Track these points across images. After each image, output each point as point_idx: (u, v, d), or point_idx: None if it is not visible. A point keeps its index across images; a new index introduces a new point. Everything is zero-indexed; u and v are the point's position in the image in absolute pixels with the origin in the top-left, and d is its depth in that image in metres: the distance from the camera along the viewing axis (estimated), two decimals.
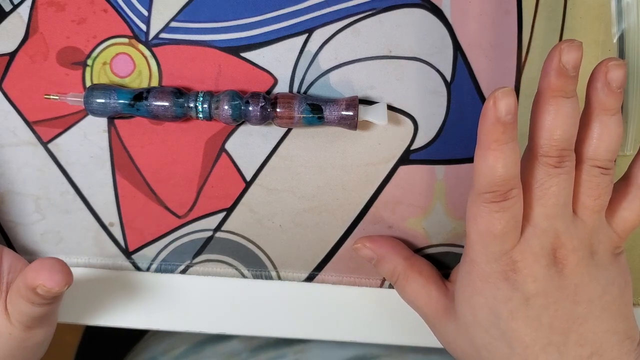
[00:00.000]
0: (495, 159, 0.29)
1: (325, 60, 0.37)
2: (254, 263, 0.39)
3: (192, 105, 0.36)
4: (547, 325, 0.31)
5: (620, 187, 0.33)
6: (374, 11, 0.37)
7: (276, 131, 0.38)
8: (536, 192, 0.31)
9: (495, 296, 0.31)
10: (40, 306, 0.33)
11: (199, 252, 0.39)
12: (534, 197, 0.31)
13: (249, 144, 0.38)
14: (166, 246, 0.39)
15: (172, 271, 0.40)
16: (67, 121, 0.38)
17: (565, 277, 0.31)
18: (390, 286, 0.39)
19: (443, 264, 0.39)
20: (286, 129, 0.38)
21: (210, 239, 0.39)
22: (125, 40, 0.37)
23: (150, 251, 0.39)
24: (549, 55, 0.30)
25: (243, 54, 0.37)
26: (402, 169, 0.38)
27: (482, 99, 0.37)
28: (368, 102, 0.37)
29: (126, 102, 0.36)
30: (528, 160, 0.32)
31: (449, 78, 0.37)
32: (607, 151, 0.31)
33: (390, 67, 0.37)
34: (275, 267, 0.39)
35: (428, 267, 0.37)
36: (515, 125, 0.29)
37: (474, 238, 0.32)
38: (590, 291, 0.31)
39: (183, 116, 0.36)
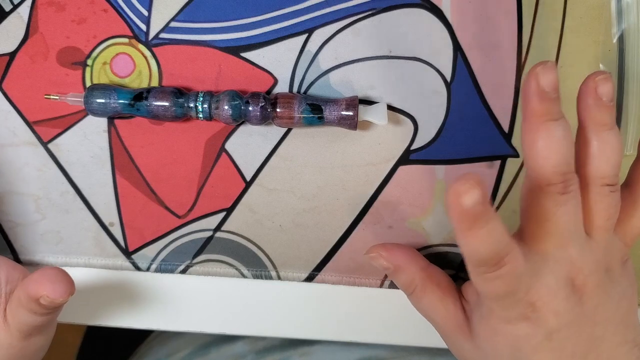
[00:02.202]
0: (478, 241, 0.27)
1: (325, 60, 0.37)
2: (254, 263, 0.39)
3: (192, 105, 0.36)
4: (570, 353, 0.31)
5: (624, 195, 0.32)
6: (374, 11, 0.37)
7: (276, 131, 0.38)
8: (546, 224, 0.30)
9: (517, 336, 0.31)
10: (42, 316, 0.33)
11: (199, 252, 0.39)
12: (544, 230, 0.30)
13: (249, 144, 0.38)
14: (166, 246, 0.39)
15: (172, 271, 0.40)
16: (67, 121, 0.38)
17: (585, 303, 0.30)
18: (391, 286, 0.39)
19: (443, 264, 0.39)
20: (286, 129, 0.38)
21: (210, 239, 0.39)
22: (125, 40, 0.37)
23: (150, 251, 0.39)
24: (526, 81, 0.29)
25: (243, 54, 0.37)
26: (402, 169, 0.38)
27: (482, 99, 0.37)
28: (368, 102, 0.37)
29: (126, 102, 0.36)
30: (531, 191, 0.30)
31: (449, 78, 0.37)
32: (612, 167, 0.30)
33: (390, 67, 0.37)
34: (275, 267, 0.39)
35: (445, 279, 0.36)
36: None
37: (485, 297, 0.31)
38: (607, 309, 0.31)
39: (183, 116, 0.36)
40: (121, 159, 0.38)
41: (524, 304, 0.30)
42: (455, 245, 0.39)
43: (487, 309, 0.32)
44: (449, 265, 0.39)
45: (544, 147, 0.29)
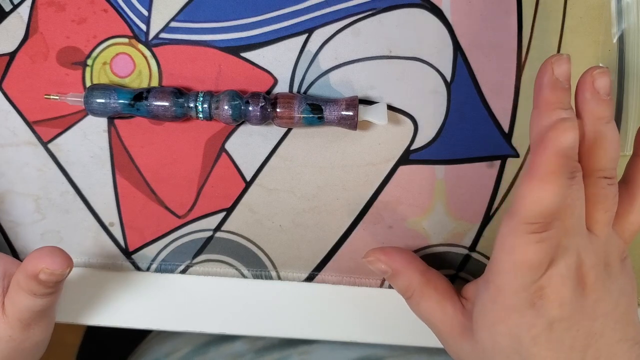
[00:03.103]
0: (548, 191, 0.28)
1: (325, 60, 0.37)
2: (254, 263, 0.39)
3: (192, 105, 0.36)
4: (568, 346, 0.31)
5: (621, 191, 0.33)
6: (374, 11, 0.37)
7: (276, 131, 0.38)
8: None
9: (519, 324, 0.31)
10: (41, 297, 0.34)
11: (199, 252, 0.39)
12: None
13: (249, 144, 0.38)
14: (166, 246, 0.39)
15: (172, 271, 0.40)
16: (67, 121, 0.38)
17: (586, 296, 0.31)
18: (391, 286, 0.39)
19: (443, 264, 0.39)
20: (286, 129, 0.38)
21: (210, 239, 0.39)
22: (125, 40, 0.37)
23: (150, 251, 0.39)
24: (541, 70, 0.31)
25: (243, 54, 0.37)
26: (402, 169, 0.38)
27: (482, 99, 0.37)
28: (368, 102, 0.37)
29: (126, 102, 0.36)
30: None
31: (449, 78, 0.37)
32: (609, 160, 0.31)
33: (390, 67, 0.37)
34: (275, 267, 0.39)
35: (444, 282, 0.36)
36: (576, 159, 0.28)
37: (507, 267, 0.30)
38: (606, 305, 0.31)
39: (183, 116, 0.36)
40: (121, 159, 0.38)
41: (536, 287, 0.30)
42: (455, 245, 0.39)
43: (494, 292, 0.31)
44: (449, 265, 0.39)
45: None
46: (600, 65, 0.37)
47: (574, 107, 0.32)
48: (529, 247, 0.29)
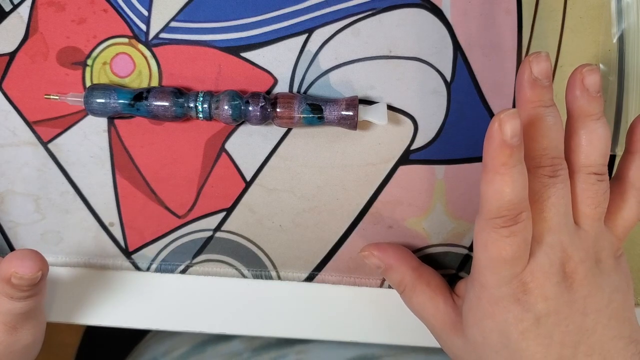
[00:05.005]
0: (503, 183, 0.29)
1: (325, 60, 0.37)
2: (254, 263, 0.39)
3: (192, 105, 0.36)
4: (558, 342, 0.31)
5: (614, 188, 0.33)
6: (374, 11, 0.37)
7: (276, 131, 0.38)
8: (535, 206, 0.31)
9: (506, 319, 0.31)
10: (20, 300, 0.33)
11: (199, 252, 0.39)
12: (534, 212, 0.31)
13: (249, 144, 0.38)
14: (166, 246, 0.39)
15: (172, 271, 0.40)
16: (67, 121, 0.38)
17: (575, 291, 0.31)
18: (391, 286, 0.39)
19: (443, 264, 0.39)
20: (286, 129, 0.38)
21: (210, 239, 0.39)
22: (125, 40, 0.37)
23: (150, 251, 0.39)
24: (520, 69, 0.31)
25: (243, 54, 0.37)
26: (402, 169, 0.38)
27: (482, 99, 0.37)
28: (368, 102, 0.37)
29: (126, 102, 0.36)
30: None
31: (449, 78, 0.37)
32: (599, 156, 0.31)
33: (390, 67, 0.37)
34: (275, 267, 0.39)
35: (436, 278, 0.37)
36: (522, 147, 0.29)
37: (484, 264, 0.31)
38: (598, 301, 0.31)
39: (183, 116, 0.36)
40: (121, 159, 0.38)
41: (518, 282, 0.31)
42: (455, 245, 0.39)
43: (478, 289, 0.32)
44: (449, 265, 0.39)
45: (534, 131, 0.31)
46: (602, 68, 0.37)
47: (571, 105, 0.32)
48: (500, 242, 0.30)
